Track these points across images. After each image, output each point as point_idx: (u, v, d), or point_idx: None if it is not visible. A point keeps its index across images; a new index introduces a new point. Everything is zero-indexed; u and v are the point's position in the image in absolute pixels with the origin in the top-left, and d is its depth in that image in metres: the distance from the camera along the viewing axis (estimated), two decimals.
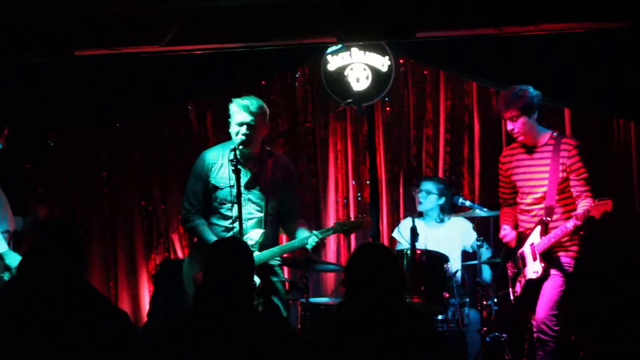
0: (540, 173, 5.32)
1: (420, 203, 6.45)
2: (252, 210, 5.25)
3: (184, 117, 7.26)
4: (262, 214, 5.26)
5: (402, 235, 6.44)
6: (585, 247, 5.33)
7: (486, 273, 6.29)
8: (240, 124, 5.18)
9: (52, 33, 5.61)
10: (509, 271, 5.52)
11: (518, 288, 5.42)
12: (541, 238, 5.26)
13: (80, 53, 5.73)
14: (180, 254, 7.19)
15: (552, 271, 5.27)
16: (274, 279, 5.30)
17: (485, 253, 6.26)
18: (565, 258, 5.28)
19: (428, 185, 6.45)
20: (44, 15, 5.52)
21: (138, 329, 6.82)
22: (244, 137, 5.16)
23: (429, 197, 6.44)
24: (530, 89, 5.33)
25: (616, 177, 6.64)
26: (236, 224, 5.12)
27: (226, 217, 5.25)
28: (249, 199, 5.23)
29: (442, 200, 6.46)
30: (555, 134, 5.38)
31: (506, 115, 5.34)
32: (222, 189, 5.24)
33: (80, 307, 3.38)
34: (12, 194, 5.73)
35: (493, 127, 6.94)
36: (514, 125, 5.32)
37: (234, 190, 5.13)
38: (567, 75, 5.87)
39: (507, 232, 5.52)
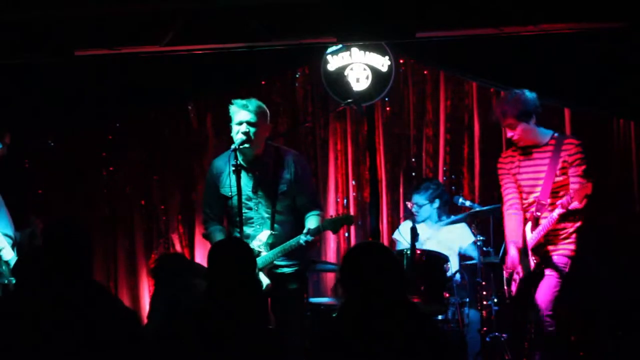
0: (541, 172, 5.33)
1: (417, 215, 6.47)
2: (263, 213, 5.26)
3: (184, 117, 7.26)
4: (270, 215, 5.26)
5: (402, 236, 6.45)
6: (580, 246, 5.32)
7: (474, 256, 6.30)
8: (240, 123, 5.20)
9: (52, 33, 5.60)
10: (504, 272, 5.52)
11: (513, 288, 5.42)
12: (532, 233, 5.27)
13: (80, 53, 5.73)
14: None
15: (547, 271, 5.26)
16: (291, 286, 5.30)
17: (474, 256, 6.30)
18: (561, 257, 5.28)
19: (417, 199, 6.47)
20: (44, 15, 5.52)
21: None
22: (244, 137, 5.16)
23: (422, 208, 6.46)
24: (526, 93, 5.34)
25: (616, 177, 6.64)
26: (249, 229, 5.15)
27: (239, 224, 5.27)
28: (259, 203, 5.24)
29: (437, 204, 6.47)
30: (556, 134, 5.39)
31: (504, 124, 5.37)
32: (230, 198, 5.25)
33: (92, 307, 3.40)
34: (11, 201, 5.73)
35: (493, 127, 6.93)
36: (514, 132, 5.35)
37: (243, 197, 5.14)
38: (567, 75, 5.87)
39: (512, 258, 5.43)
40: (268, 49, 5.89)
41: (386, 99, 7.01)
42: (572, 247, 5.29)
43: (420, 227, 6.29)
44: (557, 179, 5.28)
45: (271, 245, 5.20)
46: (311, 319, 5.58)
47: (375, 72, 6.25)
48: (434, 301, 5.66)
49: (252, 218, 5.25)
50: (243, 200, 5.17)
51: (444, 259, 5.79)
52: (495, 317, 5.93)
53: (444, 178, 7.02)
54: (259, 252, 5.16)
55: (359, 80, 6.27)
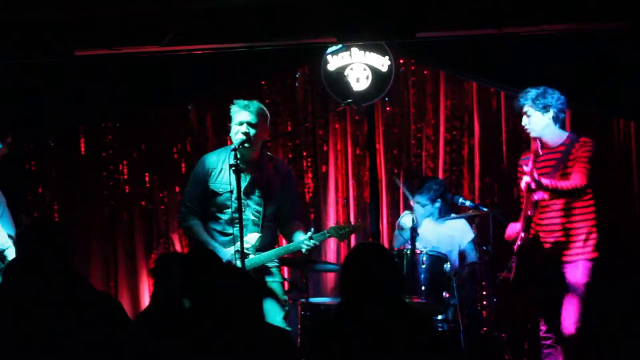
0: (550, 170, 5.30)
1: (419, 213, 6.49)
2: (250, 215, 5.27)
3: (184, 117, 7.26)
4: (259, 219, 5.28)
5: (401, 233, 6.47)
6: (601, 250, 5.29)
7: (471, 256, 6.30)
8: (240, 123, 5.22)
9: (52, 33, 5.61)
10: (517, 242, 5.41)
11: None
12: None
13: (80, 53, 5.74)
14: None
15: (573, 278, 5.24)
16: (269, 279, 5.32)
17: (471, 255, 6.30)
18: (585, 262, 5.25)
19: (419, 199, 6.48)
20: (44, 15, 5.52)
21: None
22: (244, 137, 5.17)
23: (424, 208, 6.47)
24: (556, 93, 5.30)
25: (616, 177, 6.64)
26: (233, 229, 5.14)
27: (224, 222, 5.27)
28: (247, 205, 5.25)
29: (438, 204, 6.48)
30: (572, 135, 5.37)
31: (522, 111, 5.34)
32: (220, 194, 5.27)
33: (73, 303, 3.41)
34: (11, 201, 5.73)
35: (493, 127, 6.95)
36: (528, 120, 5.31)
37: (233, 196, 5.14)
38: (568, 75, 5.87)
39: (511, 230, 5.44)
40: (268, 49, 5.90)
41: (386, 99, 7.00)
42: (593, 248, 5.25)
43: (422, 223, 6.32)
44: (563, 168, 5.24)
45: (257, 249, 5.22)
46: (311, 319, 5.58)
47: (375, 72, 6.25)
48: (434, 301, 5.66)
49: (237, 219, 5.21)
50: (232, 199, 5.18)
51: (444, 259, 5.79)
52: (495, 317, 5.92)
53: (444, 178, 7.02)
54: (247, 254, 5.17)
55: (359, 80, 6.28)
